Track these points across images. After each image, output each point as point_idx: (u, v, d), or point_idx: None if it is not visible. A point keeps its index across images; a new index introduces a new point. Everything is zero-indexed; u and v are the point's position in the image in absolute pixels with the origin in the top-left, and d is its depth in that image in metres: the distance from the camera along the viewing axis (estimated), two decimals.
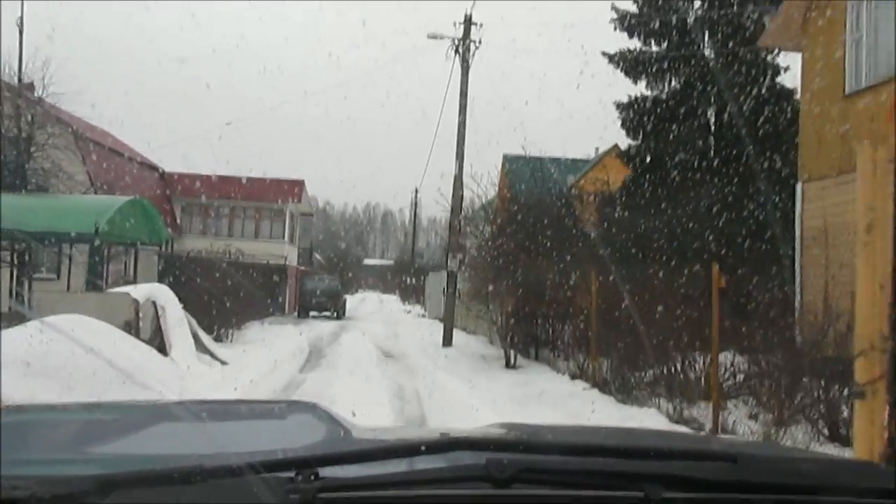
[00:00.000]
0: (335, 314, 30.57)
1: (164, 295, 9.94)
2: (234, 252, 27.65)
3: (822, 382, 6.90)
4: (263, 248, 32.65)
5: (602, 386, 9.62)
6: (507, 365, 13.36)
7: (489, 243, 15.15)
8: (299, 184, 34.51)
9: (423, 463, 1.08)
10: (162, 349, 9.37)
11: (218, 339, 17.54)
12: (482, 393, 9.40)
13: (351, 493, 1.01)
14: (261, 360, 12.80)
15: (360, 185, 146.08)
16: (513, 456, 1.04)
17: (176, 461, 1.07)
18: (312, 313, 30.74)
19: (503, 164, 34.20)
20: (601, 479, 1.06)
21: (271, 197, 32.86)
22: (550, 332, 14.42)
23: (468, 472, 1.02)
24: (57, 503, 0.92)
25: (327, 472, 1.02)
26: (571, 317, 12.55)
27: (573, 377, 10.90)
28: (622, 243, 14.94)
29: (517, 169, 27.29)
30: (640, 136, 18.83)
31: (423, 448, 1.06)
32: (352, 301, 48.16)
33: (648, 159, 18.52)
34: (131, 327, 9.06)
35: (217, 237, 33.19)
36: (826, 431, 6.82)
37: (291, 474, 1.01)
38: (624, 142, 19.83)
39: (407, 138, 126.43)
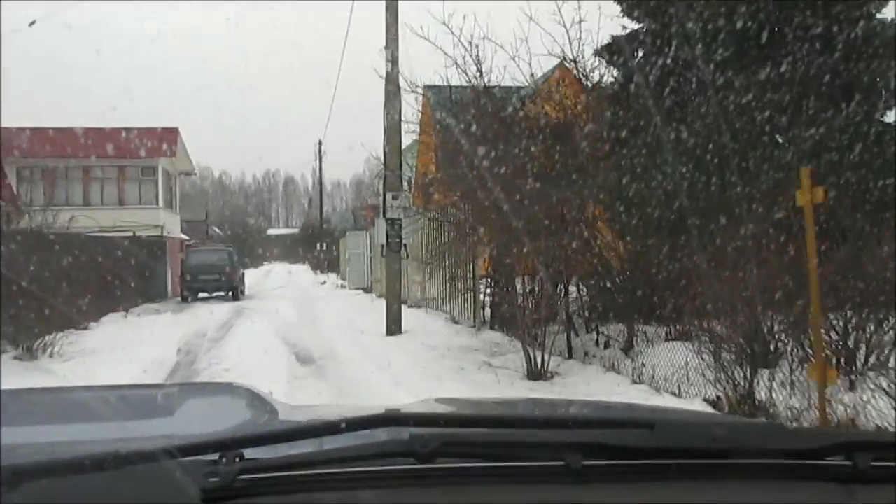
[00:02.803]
0: (231, 294, 23.84)
1: None
2: (84, 223, 20.68)
3: None
4: (132, 216, 25.52)
5: None
6: (533, 374, 7.36)
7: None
8: (172, 133, 27.16)
9: (348, 440, 1.04)
10: None
11: (28, 355, 10.93)
12: None
13: (272, 473, 0.96)
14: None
15: (257, 152, 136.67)
16: (435, 430, 1.02)
17: (89, 448, 1.00)
18: (202, 295, 23.94)
19: (424, 98, 27.90)
20: (522, 449, 1.06)
21: (137, 151, 25.56)
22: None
23: (391, 447, 1.00)
24: None
25: (251, 453, 0.97)
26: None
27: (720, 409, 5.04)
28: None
29: (444, 101, 21.25)
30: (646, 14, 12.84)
31: (343, 426, 1.03)
32: (255, 275, 41.53)
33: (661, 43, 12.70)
34: None
35: (70, 207, 25.80)
36: None
37: (215, 457, 0.96)
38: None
39: (307, 95, 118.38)
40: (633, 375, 6.57)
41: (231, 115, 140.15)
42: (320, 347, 10.97)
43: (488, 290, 11.75)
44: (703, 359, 5.52)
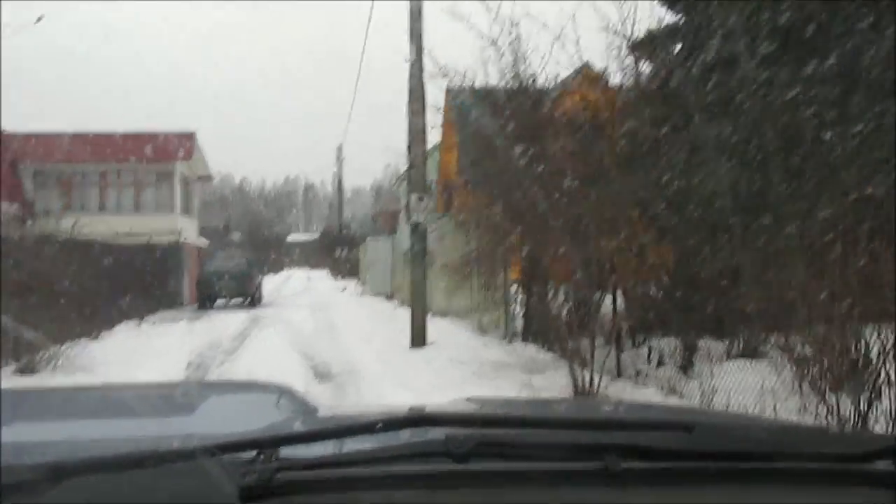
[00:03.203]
0: (248, 301, 23.12)
1: None
2: (99, 230, 20.12)
3: None
4: (148, 222, 24.94)
5: None
6: (581, 396, 6.52)
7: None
8: (188, 137, 26.55)
9: (385, 440, 1.03)
10: None
11: (28, 368, 10.23)
12: None
13: (309, 472, 0.96)
14: None
15: (278, 159, 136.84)
16: (471, 430, 1.01)
17: (129, 446, 1.01)
18: (219, 302, 23.29)
19: (447, 100, 26.99)
20: (560, 451, 1.04)
21: (153, 156, 24.99)
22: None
23: (427, 447, 0.99)
24: (6, 492, 0.87)
25: (287, 452, 0.98)
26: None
27: None
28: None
29: (467, 104, 20.39)
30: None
31: (379, 426, 1.01)
32: (274, 281, 41.04)
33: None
34: None
35: (85, 213, 25.29)
36: None
37: (252, 455, 0.96)
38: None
39: (329, 102, 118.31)
40: (700, 401, 5.70)
41: (252, 121, 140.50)
42: (340, 361, 10.19)
43: (520, 299, 10.95)
44: (799, 386, 4.63)
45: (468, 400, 1.69)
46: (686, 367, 6.65)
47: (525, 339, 10.65)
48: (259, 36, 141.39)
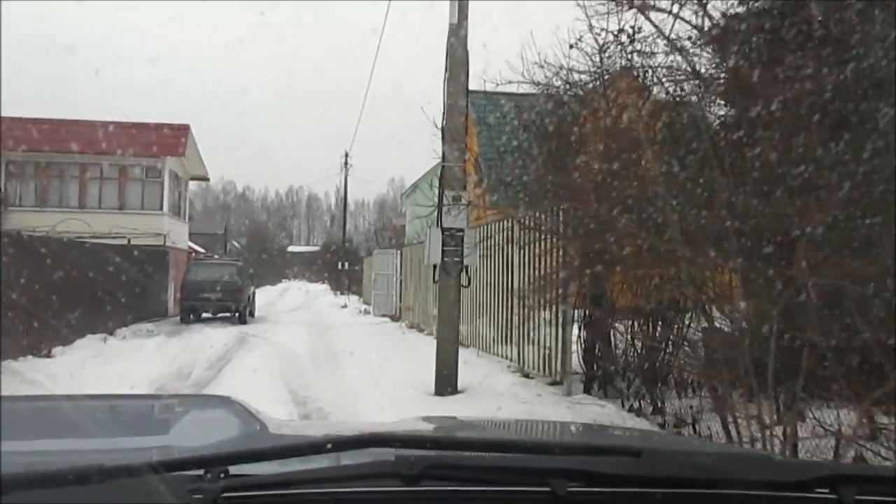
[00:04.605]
0: (237, 315, 20.44)
1: None
2: (75, 228, 17.67)
3: None
4: (131, 222, 22.46)
5: None
6: None
7: None
8: (181, 130, 23.98)
9: (335, 460, 1.05)
10: None
11: None
12: None
13: (256, 492, 0.95)
14: None
15: (282, 167, 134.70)
16: (422, 452, 1.01)
17: (75, 460, 0.98)
18: (205, 315, 20.63)
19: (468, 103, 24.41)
20: (508, 474, 1.04)
21: (141, 149, 22.42)
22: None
23: (377, 469, 0.99)
24: None
25: (236, 470, 0.96)
26: None
27: None
28: None
29: (486, 109, 17.88)
30: None
31: (329, 446, 1.03)
32: (271, 293, 38.54)
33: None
34: None
35: (64, 209, 22.80)
36: None
37: (200, 473, 0.95)
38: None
39: (335, 113, 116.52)
40: None
41: (258, 130, 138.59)
42: (341, 410, 7.58)
43: (578, 333, 8.38)
44: None
45: (422, 419, 1.73)
46: None
47: (587, 388, 8.07)
48: (268, 44, 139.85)
